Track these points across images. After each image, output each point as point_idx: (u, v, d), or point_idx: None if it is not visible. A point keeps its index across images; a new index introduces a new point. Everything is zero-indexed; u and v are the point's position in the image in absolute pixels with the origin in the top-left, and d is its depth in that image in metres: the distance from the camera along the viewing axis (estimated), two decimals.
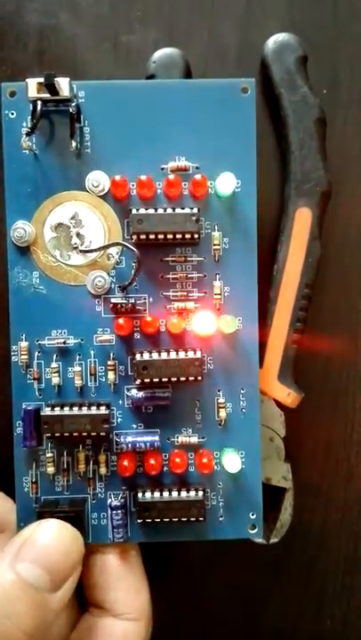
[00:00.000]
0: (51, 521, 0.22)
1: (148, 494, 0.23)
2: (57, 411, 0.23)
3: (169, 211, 0.23)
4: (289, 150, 0.26)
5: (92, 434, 0.23)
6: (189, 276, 0.24)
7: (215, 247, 0.24)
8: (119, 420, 0.24)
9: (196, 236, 0.23)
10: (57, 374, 0.24)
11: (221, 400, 0.24)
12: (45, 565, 0.20)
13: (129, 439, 0.24)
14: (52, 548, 0.21)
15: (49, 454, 0.24)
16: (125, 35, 0.27)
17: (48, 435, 0.23)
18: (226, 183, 0.23)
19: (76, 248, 0.24)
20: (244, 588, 0.28)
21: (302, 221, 0.26)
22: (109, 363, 0.24)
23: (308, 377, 0.27)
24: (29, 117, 0.23)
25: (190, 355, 0.23)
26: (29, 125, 0.23)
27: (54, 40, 0.27)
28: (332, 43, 0.28)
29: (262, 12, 0.28)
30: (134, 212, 0.23)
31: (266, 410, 0.26)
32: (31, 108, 0.23)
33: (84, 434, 0.23)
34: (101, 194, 0.24)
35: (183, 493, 0.23)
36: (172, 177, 0.23)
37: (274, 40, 0.27)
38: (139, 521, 0.23)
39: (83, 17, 0.27)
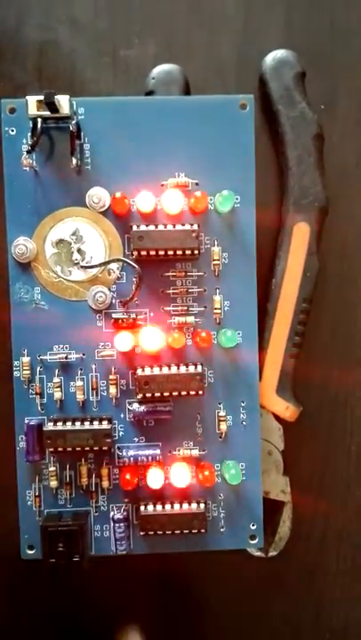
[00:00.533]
0: None
1: (150, 507, 0.24)
2: (59, 426, 0.23)
3: (169, 227, 0.23)
4: (287, 166, 0.27)
5: (95, 448, 0.23)
6: (190, 290, 0.24)
7: (215, 262, 0.24)
8: (121, 433, 0.24)
9: (196, 251, 0.23)
10: (59, 389, 0.24)
11: (222, 413, 0.24)
12: None
13: (131, 453, 0.24)
14: None
15: (52, 468, 0.24)
16: (124, 50, 0.28)
17: (51, 449, 0.23)
18: (225, 199, 0.23)
19: (77, 264, 0.24)
20: (244, 601, 0.29)
21: (300, 236, 0.27)
22: (111, 377, 0.24)
23: (307, 391, 0.28)
24: (29, 135, 0.23)
25: (191, 369, 0.23)
26: (30, 143, 0.23)
27: (53, 55, 0.27)
28: (330, 58, 0.28)
29: (260, 28, 0.28)
30: (135, 228, 0.23)
31: (264, 423, 0.26)
32: (31, 125, 0.23)
33: (87, 448, 0.23)
34: (102, 210, 0.24)
35: (185, 506, 0.24)
36: (172, 193, 0.23)
37: (272, 56, 0.27)
38: (141, 533, 0.24)
39: (82, 32, 0.28)
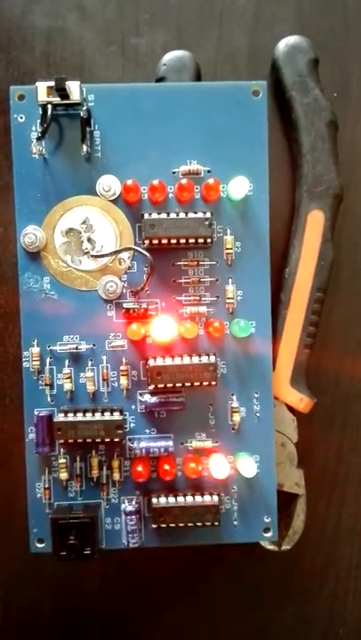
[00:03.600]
0: None
1: (162, 499, 0.23)
2: (70, 417, 0.23)
3: (181, 215, 0.23)
4: (301, 153, 0.27)
5: (106, 440, 0.23)
6: (202, 280, 0.24)
7: (227, 251, 0.24)
8: (132, 425, 0.24)
9: (208, 240, 0.23)
10: (69, 380, 0.24)
11: (235, 405, 0.24)
12: None
13: (142, 444, 0.24)
14: None
15: (62, 460, 0.24)
16: (133, 37, 0.27)
17: (61, 441, 0.23)
18: (238, 187, 0.23)
19: (87, 253, 0.24)
20: (256, 595, 0.29)
21: (314, 224, 0.26)
22: (122, 368, 0.24)
23: (321, 381, 0.27)
24: (39, 121, 0.23)
25: (204, 360, 0.23)
26: (40, 130, 0.23)
27: (61, 43, 0.27)
28: (342, 45, 0.28)
29: (272, 14, 0.28)
30: (146, 216, 0.23)
31: (278, 415, 0.26)
32: (41, 112, 0.23)
33: (98, 440, 0.23)
34: (112, 198, 0.24)
35: (198, 498, 0.23)
36: (184, 181, 0.23)
37: (285, 43, 0.27)
38: (153, 526, 0.24)
39: (90, 19, 0.27)
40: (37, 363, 0.24)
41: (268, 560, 0.27)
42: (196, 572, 0.28)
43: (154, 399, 0.24)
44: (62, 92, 0.23)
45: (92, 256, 0.24)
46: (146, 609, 0.28)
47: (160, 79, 0.26)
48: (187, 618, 0.29)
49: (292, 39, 0.27)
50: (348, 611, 0.29)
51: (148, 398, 0.24)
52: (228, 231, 0.24)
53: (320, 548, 0.28)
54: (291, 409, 0.27)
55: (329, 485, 0.28)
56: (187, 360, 0.23)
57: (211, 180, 0.23)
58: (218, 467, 0.23)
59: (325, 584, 0.29)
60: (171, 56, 0.26)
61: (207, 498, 0.23)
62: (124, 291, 0.24)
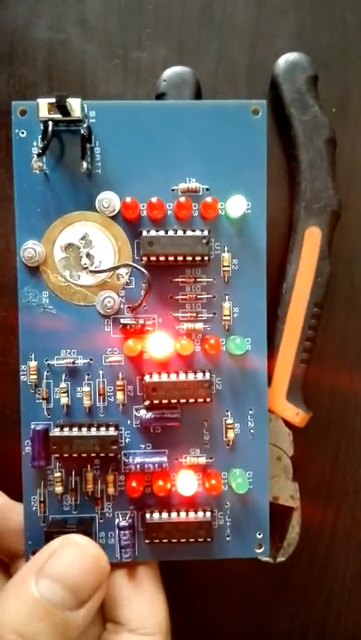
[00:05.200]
0: (75, 537, 0.22)
1: (155, 515, 0.24)
2: (66, 431, 0.24)
3: (179, 232, 0.23)
4: (299, 170, 0.27)
5: (101, 455, 0.23)
6: (199, 296, 0.25)
7: (225, 268, 0.25)
8: (127, 440, 0.25)
9: (206, 257, 0.24)
10: (66, 394, 0.24)
11: (230, 421, 0.25)
12: (68, 583, 0.20)
13: (137, 459, 0.24)
14: (75, 566, 0.21)
15: (57, 474, 0.24)
16: (135, 51, 0.28)
17: (57, 455, 0.24)
18: (236, 205, 0.24)
19: (85, 268, 0.24)
20: (251, 607, 0.29)
21: (312, 241, 0.27)
22: (118, 383, 0.25)
23: (317, 396, 0.28)
24: (40, 137, 0.24)
25: (199, 376, 0.24)
26: (40, 146, 0.24)
27: (63, 56, 0.28)
28: (342, 61, 0.28)
29: (272, 30, 0.28)
30: (145, 233, 0.23)
31: (274, 429, 0.27)
32: (42, 128, 0.24)
33: (93, 454, 0.23)
34: (112, 214, 0.24)
35: (191, 514, 0.24)
36: (182, 199, 0.24)
37: (285, 59, 0.27)
38: (146, 541, 0.24)
39: (92, 33, 0.28)
40: (35, 377, 0.24)
41: (263, 571, 0.27)
42: (191, 583, 0.29)
43: (149, 415, 0.24)
44: (63, 109, 0.23)
45: (91, 271, 0.24)
46: None
47: (160, 95, 0.26)
48: (181, 628, 0.29)
49: (291, 56, 0.27)
50: (341, 622, 0.29)
51: (143, 414, 0.24)
52: (226, 249, 0.25)
53: (315, 560, 0.29)
54: (287, 423, 0.27)
55: (324, 498, 0.29)
56: (182, 377, 0.24)
57: (209, 199, 0.24)
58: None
59: (320, 595, 0.29)
60: (171, 72, 0.27)
61: (200, 514, 0.24)
62: (122, 306, 0.25)
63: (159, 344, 0.24)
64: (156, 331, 0.24)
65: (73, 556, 0.21)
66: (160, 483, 0.24)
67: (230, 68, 0.28)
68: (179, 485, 0.24)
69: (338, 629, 0.29)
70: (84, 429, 0.24)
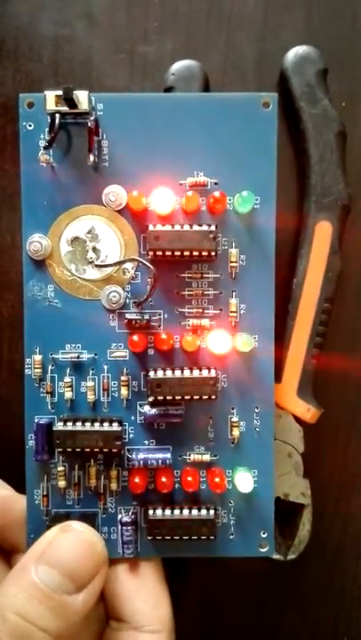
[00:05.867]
0: (72, 524, 0.22)
1: (158, 511, 0.24)
2: (69, 426, 0.24)
3: (186, 227, 0.23)
4: (309, 164, 0.27)
5: (105, 450, 0.24)
6: (205, 292, 0.25)
7: (232, 264, 0.25)
8: (131, 435, 0.25)
9: (213, 253, 0.24)
10: (70, 388, 0.25)
11: (235, 419, 0.25)
12: (64, 568, 0.21)
13: (141, 456, 0.24)
14: (71, 551, 0.21)
15: (60, 468, 0.25)
16: (142, 46, 0.28)
17: (60, 450, 0.24)
18: (245, 200, 0.24)
19: (91, 262, 0.25)
20: (261, 604, 0.29)
21: (322, 235, 0.27)
22: (123, 378, 0.25)
23: (327, 392, 0.28)
24: (47, 130, 0.24)
25: (205, 373, 0.24)
26: (47, 138, 0.24)
27: (69, 51, 0.28)
28: (351, 54, 0.28)
29: (280, 23, 0.28)
30: (151, 228, 0.23)
31: (285, 425, 0.27)
32: (49, 120, 0.24)
33: (97, 449, 0.24)
34: (118, 208, 0.24)
35: (194, 512, 0.24)
36: (190, 194, 0.24)
37: (294, 53, 0.27)
38: (149, 537, 0.24)
39: (98, 27, 0.28)
40: (39, 370, 0.25)
41: (274, 569, 0.27)
42: (200, 580, 0.29)
43: (153, 411, 0.24)
44: (70, 101, 0.23)
45: (97, 265, 0.24)
46: None
47: (169, 89, 0.26)
48: (188, 625, 0.29)
49: (301, 49, 0.27)
50: (353, 619, 0.29)
51: (147, 410, 0.24)
52: (234, 244, 0.25)
53: (325, 557, 0.29)
54: (297, 419, 0.27)
55: (335, 495, 0.29)
56: (187, 373, 0.24)
57: (217, 193, 0.24)
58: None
59: (330, 593, 0.29)
60: (179, 65, 0.27)
61: (204, 512, 0.24)
62: (128, 301, 0.25)
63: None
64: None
65: (69, 542, 0.22)
66: (163, 479, 0.24)
67: (239, 61, 0.28)
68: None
69: (349, 627, 0.29)
70: (88, 424, 0.24)
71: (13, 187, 0.27)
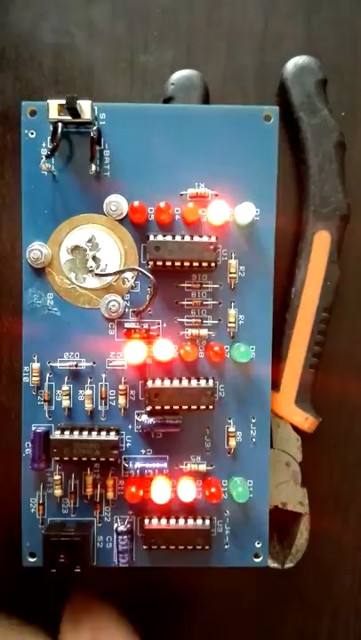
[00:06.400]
0: None
1: (154, 521, 0.24)
2: (66, 435, 0.24)
3: (187, 238, 0.24)
4: (308, 174, 0.27)
5: (101, 459, 0.24)
6: (204, 302, 0.25)
7: (231, 275, 0.25)
8: (128, 444, 0.25)
9: (213, 264, 0.24)
10: (67, 397, 0.25)
11: (232, 429, 0.25)
12: None
13: (137, 465, 0.25)
14: None
15: (57, 477, 0.25)
16: (142, 55, 0.28)
17: (57, 458, 0.24)
18: (245, 212, 0.24)
19: (91, 271, 0.25)
20: (258, 613, 0.29)
21: (321, 245, 0.27)
22: (120, 387, 0.25)
23: (326, 401, 0.28)
24: (49, 139, 0.24)
25: (203, 384, 0.24)
26: (49, 147, 0.24)
27: (69, 59, 0.28)
28: (351, 63, 0.29)
29: (280, 34, 0.28)
30: (152, 238, 0.24)
31: (283, 434, 0.27)
32: (51, 129, 0.24)
33: (93, 458, 0.24)
34: (119, 218, 0.25)
35: (190, 522, 0.24)
36: (190, 205, 0.24)
37: (294, 63, 0.27)
38: (144, 547, 0.24)
39: (98, 36, 0.28)
40: (37, 378, 0.25)
41: (271, 577, 0.28)
42: (198, 589, 0.29)
43: (151, 420, 0.25)
44: (73, 110, 0.23)
45: (97, 274, 0.25)
46: (144, 624, 0.29)
47: (168, 98, 0.27)
48: (187, 633, 0.30)
49: (300, 59, 0.27)
50: (350, 629, 0.30)
51: (145, 419, 0.25)
52: (233, 255, 0.25)
53: (323, 566, 0.29)
54: (295, 428, 0.27)
55: (332, 504, 0.29)
56: (185, 383, 0.24)
57: (218, 204, 0.24)
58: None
59: (328, 602, 0.30)
60: (179, 75, 0.27)
61: (199, 522, 0.24)
62: (127, 310, 0.25)
63: (164, 350, 0.24)
64: (160, 338, 0.25)
65: None
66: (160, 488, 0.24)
67: (238, 71, 0.28)
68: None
69: (347, 636, 0.30)
70: (85, 433, 0.24)
71: (13, 195, 0.27)
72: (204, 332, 0.25)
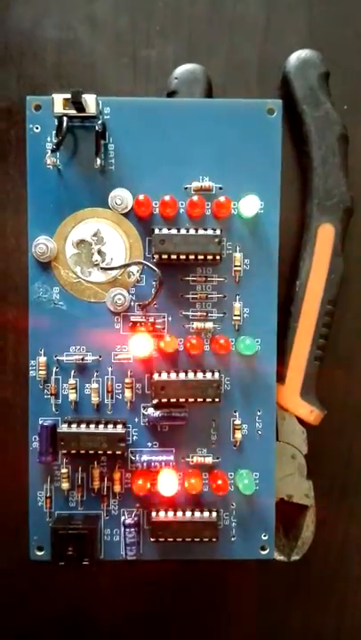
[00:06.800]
0: None
1: (161, 514, 0.25)
2: (73, 428, 0.24)
3: (191, 231, 0.24)
4: (311, 167, 0.28)
5: (109, 452, 0.24)
6: (209, 296, 0.25)
7: (236, 268, 0.25)
8: (134, 437, 0.25)
9: (217, 257, 0.24)
10: (74, 390, 0.25)
11: (237, 421, 0.25)
12: None
13: (144, 458, 0.25)
14: None
15: (64, 470, 0.25)
16: (144, 49, 0.28)
17: (64, 451, 0.24)
18: (249, 205, 0.24)
19: (96, 265, 0.25)
20: (265, 605, 0.30)
21: (325, 238, 0.28)
22: (127, 380, 0.25)
23: (331, 394, 0.29)
24: (54, 133, 0.25)
25: (208, 376, 0.24)
26: (55, 141, 0.24)
27: (72, 55, 0.28)
28: (352, 58, 0.29)
29: (282, 27, 0.29)
30: (157, 231, 0.24)
31: (288, 427, 0.27)
32: (56, 123, 0.24)
33: (100, 452, 0.24)
34: (124, 212, 0.25)
35: (197, 514, 0.25)
36: (195, 198, 0.24)
37: (297, 56, 0.28)
38: (152, 540, 0.25)
39: (101, 32, 0.28)
40: (44, 372, 0.25)
41: (277, 570, 0.28)
42: (202, 581, 0.30)
43: (157, 413, 0.25)
44: (78, 104, 0.24)
45: (102, 268, 0.25)
46: (151, 617, 0.30)
47: (172, 92, 0.27)
48: (193, 627, 0.30)
49: (303, 53, 0.28)
50: (356, 621, 0.30)
51: (151, 412, 0.25)
52: (238, 248, 0.25)
53: (329, 558, 0.30)
54: (301, 421, 0.28)
55: (338, 497, 0.29)
56: (191, 376, 0.24)
57: (222, 198, 0.24)
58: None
59: (333, 594, 0.30)
60: (183, 69, 0.27)
61: (206, 514, 0.25)
62: (132, 304, 0.25)
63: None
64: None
65: None
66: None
67: (241, 65, 0.29)
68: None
69: (353, 627, 0.30)
70: (92, 426, 0.24)
71: (17, 190, 0.27)
72: (209, 325, 0.25)
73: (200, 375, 0.24)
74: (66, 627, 0.30)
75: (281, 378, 0.27)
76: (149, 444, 0.26)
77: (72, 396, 0.25)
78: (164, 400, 0.24)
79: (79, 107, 0.24)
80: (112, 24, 0.28)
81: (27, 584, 0.29)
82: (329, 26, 0.29)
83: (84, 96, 0.24)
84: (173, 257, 0.24)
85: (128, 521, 0.25)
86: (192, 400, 0.24)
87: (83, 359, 0.25)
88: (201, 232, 0.24)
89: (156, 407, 0.25)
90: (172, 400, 0.24)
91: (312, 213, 0.28)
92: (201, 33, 0.29)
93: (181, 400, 0.24)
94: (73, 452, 0.24)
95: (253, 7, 0.29)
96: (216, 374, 0.24)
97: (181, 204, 0.25)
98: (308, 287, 0.27)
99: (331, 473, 0.29)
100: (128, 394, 0.25)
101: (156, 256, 0.24)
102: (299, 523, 0.28)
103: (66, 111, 0.24)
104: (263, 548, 0.26)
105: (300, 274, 0.28)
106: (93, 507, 0.25)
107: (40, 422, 0.25)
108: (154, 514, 0.25)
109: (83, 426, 0.24)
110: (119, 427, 0.24)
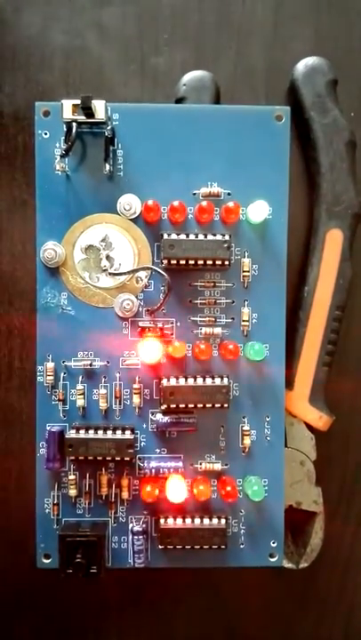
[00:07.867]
0: None
1: (170, 521, 0.25)
2: (82, 434, 0.25)
3: (200, 236, 0.25)
4: (319, 173, 0.28)
5: (117, 458, 0.25)
6: (218, 301, 0.26)
7: (245, 273, 0.26)
8: (143, 444, 0.26)
9: (226, 262, 0.25)
10: (82, 396, 0.26)
11: (246, 427, 0.26)
12: None
13: (152, 464, 0.25)
14: None
15: (71, 476, 0.26)
16: (152, 56, 0.29)
17: (72, 457, 0.25)
18: (258, 211, 0.25)
19: (105, 270, 0.26)
20: (274, 613, 0.30)
21: (333, 243, 0.28)
22: (135, 386, 0.26)
23: (339, 400, 0.29)
24: (63, 139, 0.25)
25: (217, 382, 0.25)
26: (63, 147, 0.25)
27: (80, 61, 0.29)
28: (360, 65, 0.30)
29: (290, 34, 0.29)
30: (166, 236, 0.25)
31: (297, 433, 0.28)
32: (65, 129, 0.25)
33: (109, 458, 0.25)
34: (133, 217, 0.26)
35: (205, 521, 0.25)
36: (204, 203, 0.25)
37: (304, 64, 0.28)
38: (160, 547, 0.25)
39: (109, 38, 0.29)
40: (51, 378, 0.26)
41: (286, 577, 0.28)
42: (212, 589, 0.30)
43: (165, 419, 0.25)
44: (88, 110, 0.24)
45: (110, 274, 0.26)
46: (159, 622, 0.30)
47: (180, 99, 0.28)
48: (203, 632, 0.30)
49: (311, 60, 0.28)
50: None
51: (159, 418, 0.25)
52: (246, 254, 0.26)
53: (337, 565, 0.30)
54: (309, 427, 0.28)
55: (347, 503, 0.30)
56: (200, 381, 0.25)
57: (231, 203, 0.25)
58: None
59: (343, 601, 0.30)
60: (191, 76, 0.28)
61: (215, 521, 0.25)
62: (141, 309, 0.26)
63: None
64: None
65: None
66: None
67: (249, 72, 0.29)
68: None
69: None
70: (100, 432, 0.25)
71: (25, 196, 0.28)
72: (217, 330, 0.26)
73: (209, 380, 0.25)
74: (72, 635, 0.30)
75: (289, 383, 0.27)
76: (158, 451, 0.26)
77: (80, 402, 0.26)
78: (173, 406, 0.25)
79: (88, 112, 0.24)
80: (120, 31, 0.29)
81: (33, 592, 0.29)
82: (336, 33, 0.30)
83: (93, 102, 0.24)
84: (182, 262, 0.25)
85: (136, 528, 0.25)
86: (201, 405, 0.25)
87: (91, 365, 0.26)
88: (210, 237, 0.25)
89: (165, 413, 0.25)
90: (180, 406, 0.25)
91: (320, 219, 0.28)
92: (209, 40, 0.29)
93: (190, 405, 0.25)
94: (81, 458, 0.25)
95: (261, 14, 0.29)
96: (225, 380, 0.25)
97: (190, 210, 0.26)
98: (316, 292, 0.28)
99: (339, 479, 0.30)
100: (136, 399, 0.26)
101: (165, 261, 0.25)
102: (307, 529, 0.28)
103: (75, 117, 0.25)
104: (272, 556, 0.26)
105: (309, 279, 0.28)
106: (101, 514, 0.26)
107: (48, 428, 0.25)
108: (162, 521, 0.25)
109: (91, 432, 0.25)
110: (127, 433, 0.25)
